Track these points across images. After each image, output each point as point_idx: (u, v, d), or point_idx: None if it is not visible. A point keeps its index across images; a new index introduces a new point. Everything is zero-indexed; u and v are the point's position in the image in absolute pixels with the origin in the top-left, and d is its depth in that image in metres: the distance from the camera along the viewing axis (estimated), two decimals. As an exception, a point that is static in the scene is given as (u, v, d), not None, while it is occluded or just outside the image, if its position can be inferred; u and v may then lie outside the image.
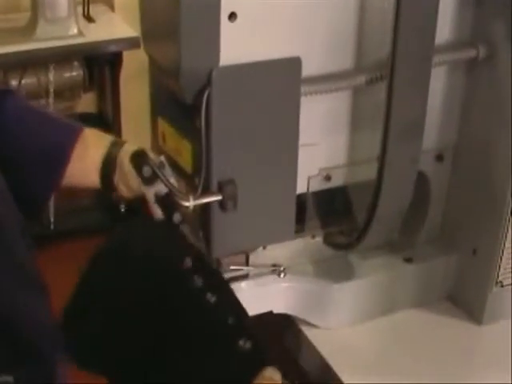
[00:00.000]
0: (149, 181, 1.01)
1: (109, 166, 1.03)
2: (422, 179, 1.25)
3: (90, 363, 0.98)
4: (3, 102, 1.01)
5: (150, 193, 1.02)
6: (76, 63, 2.41)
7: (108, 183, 1.04)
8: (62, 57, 2.35)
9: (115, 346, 0.97)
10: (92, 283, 1.00)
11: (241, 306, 0.99)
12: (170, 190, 1.00)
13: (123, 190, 1.04)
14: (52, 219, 2.44)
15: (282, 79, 1.03)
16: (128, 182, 1.03)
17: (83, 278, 1.00)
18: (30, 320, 0.88)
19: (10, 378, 0.82)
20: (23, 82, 2.33)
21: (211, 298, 0.95)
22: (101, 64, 2.50)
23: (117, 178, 1.03)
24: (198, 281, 0.96)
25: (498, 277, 1.29)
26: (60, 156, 1.02)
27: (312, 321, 1.28)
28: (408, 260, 1.34)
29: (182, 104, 1.03)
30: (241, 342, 0.92)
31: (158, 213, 1.02)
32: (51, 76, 2.36)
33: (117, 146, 1.04)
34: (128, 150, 1.03)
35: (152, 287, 0.96)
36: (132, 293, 0.97)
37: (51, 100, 2.37)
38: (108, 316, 0.98)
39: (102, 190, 1.05)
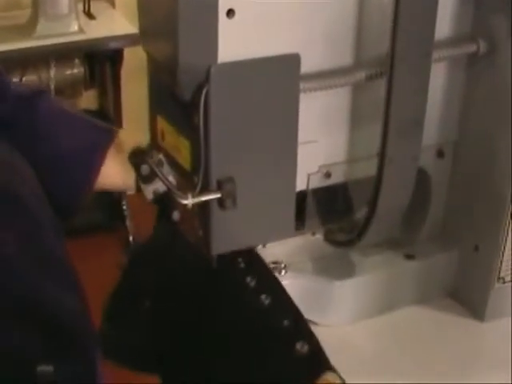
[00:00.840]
0: (147, 179, 1.01)
1: None
2: (422, 175, 1.24)
3: (139, 363, 0.98)
4: (37, 103, 1.00)
5: (149, 191, 1.01)
6: (77, 60, 2.41)
7: None
8: (63, 54, 2.35)
9: (164, 346, 0.96)
10: (136, 280, 1.00)
11: (296, 307, 0.97)
12: (169, 188, 1.00)
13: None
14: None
15: (280, 76, 1.03)
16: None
17: (126, 274, 1.00)
18: (69, 311, 0.89)
19: (49, 368, 0.83)
20: (24, 79, 2.33)
21: (265, 299, 0.94)
22: (102, 61, 2.49)
23: None
24: (252, 282, 0.95)
25: (499, 273, 1.28)
26: (93, 159, 1.02)
27: (312, 318, 1.26)
28: (409, 257, 1.33)
29: (180, 101, 1.02)
30: (298, 346, 0.90)
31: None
32: (52, 73, 2.36)
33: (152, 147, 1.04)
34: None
35: (203, 287, 0.96)
36: (181, 292, 0.96)
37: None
38: (156, 316, 0.97)
39: (137, 191, 1.05)
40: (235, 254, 0.98)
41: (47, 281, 0.87)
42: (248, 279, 0.95)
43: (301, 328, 0.93)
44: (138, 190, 1.04)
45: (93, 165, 1.01)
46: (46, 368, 0.83)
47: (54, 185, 0.98)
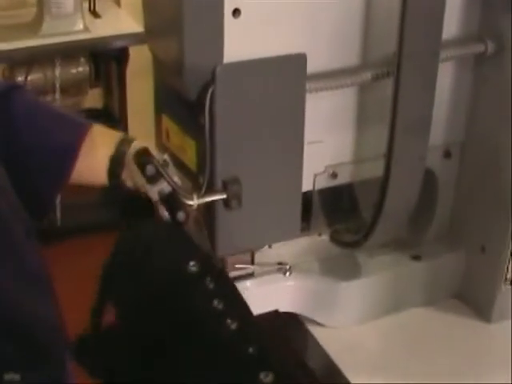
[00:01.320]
0: (152, 179, 1.00)
1: (117, 163, 1.02)
2: (429, 176, 1.24)
3: (102, 375, 0.96)
4: (12, 98, 1.00)
5: (154, 192, 1.01)
6: (82, 59, 2.40)
7: (115, 181, 1.03)
8: (68, 52, 2.34)
9: (127, 362, 0.94)
10: (105, 295, 0.98)
11: (263, 333, 0.95)
12: (174, 189, 0.99)
13: (130, 188, 1.03)
14: (59, 215, 2.44)
15: (287, 76, 1.02)
16: (135, 180, 1.02)
17: (99, 288, 0.98)
18: (40, 320, 0.88)
19: (17, 377, 0.82)
20: (29, 77, 2.33)
21: (231, 324, 0.91)
22: (107, 60, 2.49)
23: (124, 176, 1.02)
24: (219, 305, 0.93)
25: (506, 274, 1.28)
26: (68, 153, 1.01)
27: (318, 319, 1.27)
28: (416, 258, 1.32)
29: (185, 101, 1.02)
30: (262, 375, 0.87)
31: (164, 213, 1.00)
32: (57, 72, 2.36)
33: (125, 143, 1.02)
34: (137, 147, 1.02)
35: (169, 306, 0.93)
36: (149, 311, 0.94)
37: (57, 96, 2.36)
38: (126, 333, 0.95)
39: (109, 187, 1.04)
40: (205, 273, 0.96)
41: (20, 290, 0.86)
42: (215, 302, 0.93)
43: (266, 356, 0.91)
44: (112, 186, 1.03)
45: (68, 158, 1.00)
46: (13, 376, 0.82)
47: (27, 180, 0.97)
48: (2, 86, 1.01)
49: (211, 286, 0.94)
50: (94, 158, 1.02)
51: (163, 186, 1.01)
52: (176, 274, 0.94)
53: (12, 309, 0.85)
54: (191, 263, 0.95)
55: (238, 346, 0.90)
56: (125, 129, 2.47)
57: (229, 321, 0.91)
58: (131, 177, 1.01)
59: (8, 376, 0.82)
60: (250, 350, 0.89)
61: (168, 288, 0.94)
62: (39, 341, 0.86)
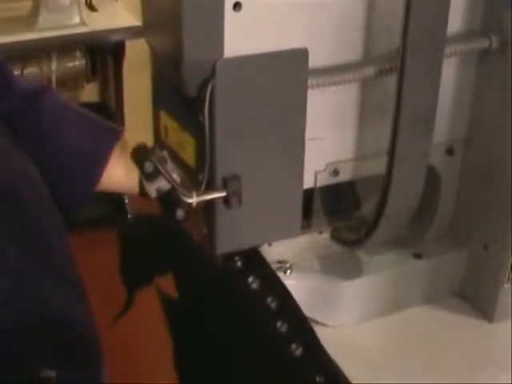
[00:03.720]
0: (151, 176, 0.99)
1: None
2: (431, 173, 1.23)
3: None
4: (41, 100, 0.98)
5: (152, 189, 0.99)
6: (78, 53, 2.39)
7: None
8: (65, 46, 2.33)
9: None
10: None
11: (330, 360, 0.91)
12: (173, 186, 0.98)
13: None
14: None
15: (288, 71, 1.00)
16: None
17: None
18: (72, 316, 0.87)
19: (52, 373, 0.81)
20: (25, 72, 2.31)
21: (296, 349, 0.88)
22: (104, 53, 2.48)
23: None
24: (283, 327, 0.90)
25: (509, 273, 1.27)
26: (96, 160, 0.99)
27: (319, 319, 1.26)
28: (417, 256, 1.32)
29: (184, 97, 1.00)
30: None
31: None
32: (53, 66, 2.34)
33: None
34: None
35: (230, 322, 0.91)
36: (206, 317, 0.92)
37: (54, 90, 2.35)
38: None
39: (140, 193, 1.03)
40: (265, 294, 0.92)
41: (51, 287, 0.85)
42: (279, 324, 0.89)
43: None
44: (142, 192, 1.02)
45: (98, 164, 0.99)
46: (48, 373, 0.81)
47: (57, 183, 0.96)
48: (31, 89, 1.00)
49: (273, 305, 0.91)
50: (125, 163, 1.00)
51: (162, 184, 0.99)
52: (235, 288, 0.91)
53: (44, 305, 0.84)
54: (250, 278, 0.92)
55: (305, 374, 0.87)
56: (121, 123, 2.45)
57: (293, 346, 0.88)
58: None
59: (44, 372, 0.81)
60: (317, 379, 0.87)
61: (228, 301, 0.91)
62: (73, 337, 0.85)
